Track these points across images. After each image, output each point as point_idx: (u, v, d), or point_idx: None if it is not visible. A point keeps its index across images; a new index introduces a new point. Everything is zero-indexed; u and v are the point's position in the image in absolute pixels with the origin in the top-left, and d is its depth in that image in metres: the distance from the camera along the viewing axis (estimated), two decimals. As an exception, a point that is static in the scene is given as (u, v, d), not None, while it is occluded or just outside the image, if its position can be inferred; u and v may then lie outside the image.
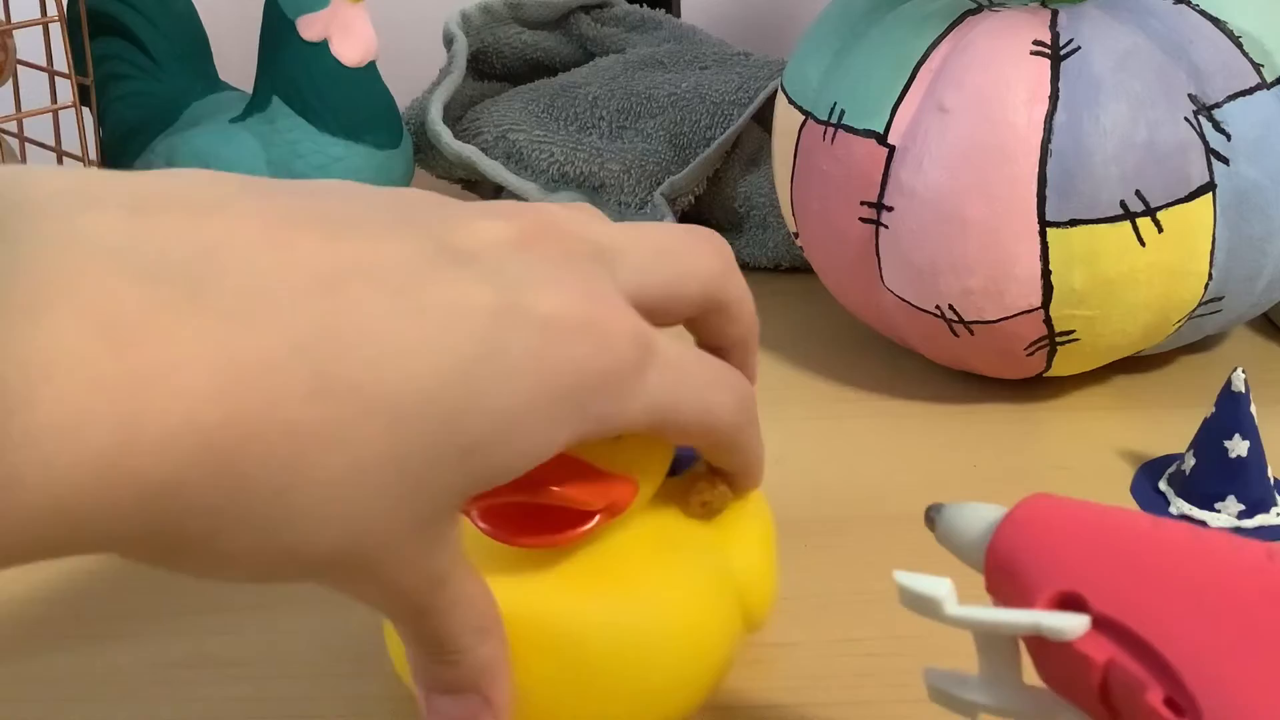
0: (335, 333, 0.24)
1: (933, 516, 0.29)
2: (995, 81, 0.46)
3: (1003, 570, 0.27)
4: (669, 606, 0.33)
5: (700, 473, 0.36)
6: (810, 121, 0.51)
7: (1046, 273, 0.46)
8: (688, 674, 0.34)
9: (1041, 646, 0.26)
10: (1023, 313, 0.47)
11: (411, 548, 0.26)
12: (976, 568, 0.28)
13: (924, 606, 0.27)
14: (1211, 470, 0.44)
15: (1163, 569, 0.25)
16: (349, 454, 0.24)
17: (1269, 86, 0.46)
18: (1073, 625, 0.25)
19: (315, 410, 0.23)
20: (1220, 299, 0.48)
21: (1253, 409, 0.43)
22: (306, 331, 0.23)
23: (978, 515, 0.28)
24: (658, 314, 0.31)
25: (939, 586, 0.27)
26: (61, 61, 0.64)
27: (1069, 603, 0.26)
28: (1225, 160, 0.45)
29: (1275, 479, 0.45)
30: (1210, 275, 0.47)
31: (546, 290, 0.27)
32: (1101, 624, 0.25)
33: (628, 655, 0.33)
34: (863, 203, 0.48)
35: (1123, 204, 0.45)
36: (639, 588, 0.33)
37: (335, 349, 0.24)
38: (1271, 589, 0.24)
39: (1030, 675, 0.28)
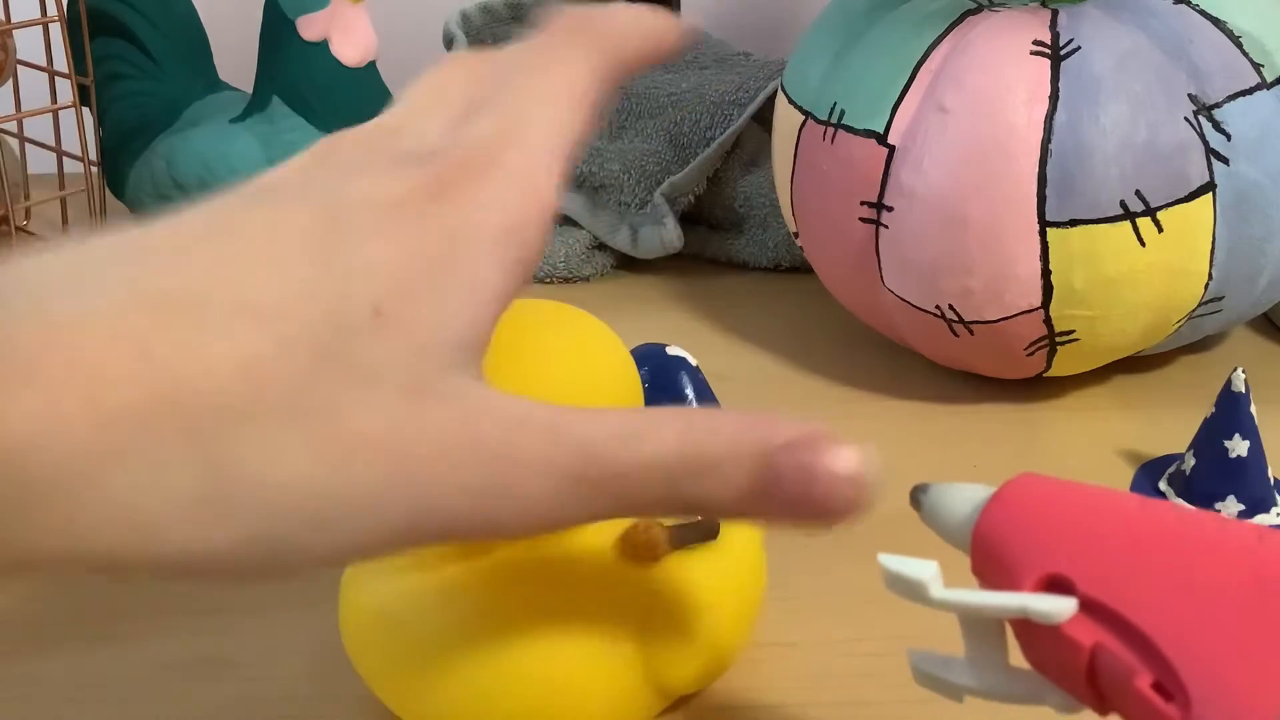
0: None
1: (918, 497, 0.29)
2: (995, 81, 0.46)
3: (989, 552, 0.27)
4: (525, 636, 0.32)
5: (650, 521, 0.34)
6: (810, 121, 0.51)
7: (1046, 273, 0.46)
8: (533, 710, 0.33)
9: (1028, 629, 0.26)
10: (1023, 313, 0.47)
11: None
12: (963, 549, 0.28)
13: (909, 589, 0.27)
14: (1211, 470, 0.44)
15: (1151, 551, 0.25)
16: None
17: (1269, 86, 0.46)
18: (1060, 609, 0.25)
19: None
20: (1220, 299, 0.48)
21: (1253, 409, 0.43)
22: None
23: (963, 496, 0.28)
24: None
25: (924, 569, 0.26)
26: (61, 61, 0.64)
27: (1056, 585, 0.26)
28: (1225, 160, 0.45)
29: (1275, 479, 0.45)
30: (1210, 275, 0.47)
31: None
32: (1089, 607, 0.25)
33: (459, 668, 0.33)
34: (863, 203, 0.48)
35: (1123, 204, 0.45)
36: (504, 605, 0.33)
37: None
38: (1261, 572, 0.24)
39: (1016, 657, 0.27)
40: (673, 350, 0.39)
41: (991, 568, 0.27)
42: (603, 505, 0.26)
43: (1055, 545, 0.26)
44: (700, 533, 0.35)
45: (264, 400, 0.23)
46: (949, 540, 0.28)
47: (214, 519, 0.23)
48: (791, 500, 0.25)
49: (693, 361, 0.39)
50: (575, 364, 0.33)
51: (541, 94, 0.28)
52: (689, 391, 0.39)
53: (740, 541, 0.36)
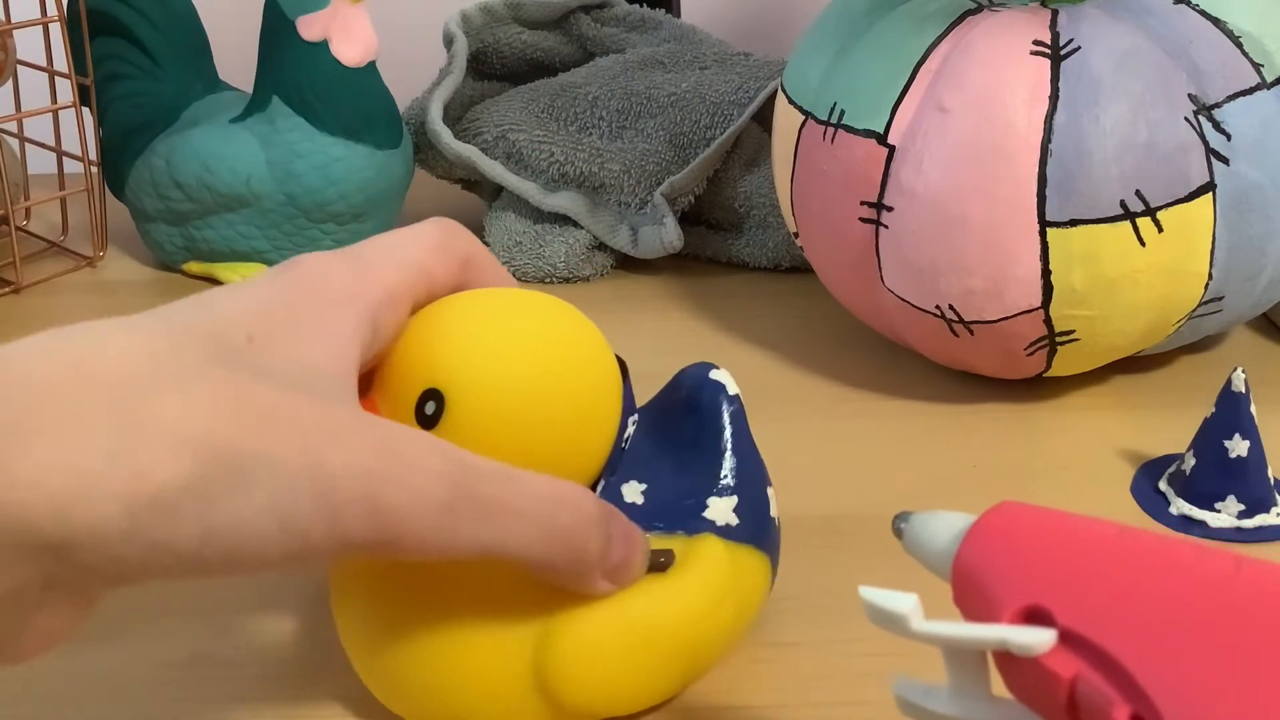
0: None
1: (899, 526, 0.29)
2: (995, 81, 0.46)
3: (969, 583, 0.27)
4: (438, 626, 0.34)
5: None
6: (810, 121, 0.51)
7: (1046, 273, 0.46)
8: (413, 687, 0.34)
9: (1009, 660, 0.26)
10: (1023, 313, 0.47)
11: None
12: (944, 578, 0.28)
13: (890, 622, 0.27)
14: (1211, 470, 0.44)
15: (1128, 581, 0.25)
16: None
17: (1269, 86, 0.46)
18: (1039, 640, 0.25)
19: None
20: (1220, 299, 0.48)
21: (1253, 409, 0.43)
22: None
23: (944, 525, 0.28)
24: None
25: (904, 602, 0.26)
26: (61, 61, 0.64)
27: (1035, 616, 0.26)
28: (1225, 160, 0.45)
29: (1275, 479, 0.45)
30: (1210, 275, 0.47)
31: None
32: (1068, 638, 0.25)
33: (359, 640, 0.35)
34: (863, 203, 0.48)
35: (1123, 204, 0.45)
36: (403, 588, 0.34)
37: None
38: (1238, 601, 0.24)
39: (999, 686, 0.27)
40: (716, 374, 0.37)
41: (972, 598, 0.27)
42: (486, 531, 0.30)
43: (1034, 576, 0.26)
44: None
45: (170, 373, 0.27)
46: (931, 569, 0.28)
47: (133, 468, 0.26)
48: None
49: (733, 389, 0.37)
50: (549, 351, 0.34)
51: (401, 232, 0.35)
52: (726, 422, 0.36)
53: (692, 586, 0.34)
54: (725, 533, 0.35)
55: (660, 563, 0.34)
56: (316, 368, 0.30)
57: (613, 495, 0.36)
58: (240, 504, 0.27)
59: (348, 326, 0.32)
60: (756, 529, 0.36)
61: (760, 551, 0.36)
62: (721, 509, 0.36)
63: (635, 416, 0.37)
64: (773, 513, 0.37)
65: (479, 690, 0.34)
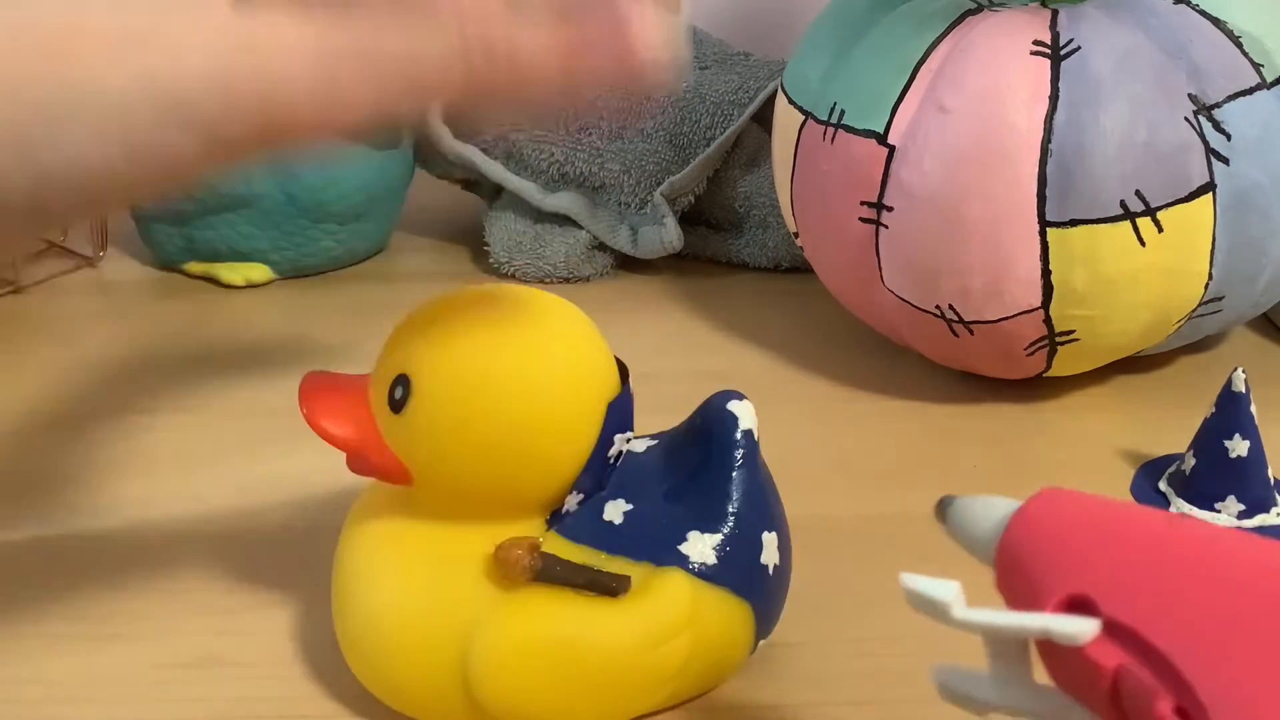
0: None
1: (944, 510, 0.28)
2: (995, 81, 0.46)
3: (1013, 569, 0.27)
4: (361, 593, 0.35)
5: (519, 540, 0.34)
6: (810, 121, 0.51)
7: (1046, 273, 0.46)
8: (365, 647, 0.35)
9: (1051, 649, 0.26)
10: (1023, 313, 0.47)
11: None
12: (987, 563, 0.28)
13: (931, 609, 0.26)
14: (1211, 470, 0.44)
15: (1176, 572, 0.25)
16: None
17: (1269, 86, 0.46)
18: (1082, 630, 0.25)
19: None
20: (1220, 299, 0.48)
21: (1253, 409, 0.43)
22: None
23: (989, 509, 0.28)
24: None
25: (947, 590, 0.26)
26: (61, 61, 0.64)
27: (1079, 606, 0.25)
28: (1225, 160, 0.45)
29: (1275, 479, 0.45)
30: (1210, 275, 0.47)
31: None
32: (1112, 629, 0.25)
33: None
34: (863, 203, 0.48)
35: (1123, 204, 0.45)
36: (367, 561, 0.35)
37: None
38: None
39: (1042, 673, 0.27)
40: (734, 406, 0.35)
41: (1015, 585, 0.27)
42: (368, 83, 0.26)
43: (1079, 564, 0.26)
44: (589, 579, 0.33)
45: None
46: (974, 554, 0.28)
47: None
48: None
49: (746, 424, 0.35)
50: (536, 348, 0.34)
51: None
52: (731, 457, 0.35)
53: (635, 617, 0.33)
54: (698, 571, 0.34)
55: (612, 587, 0.33)
56: None
57: (593, 511, 0.34)
58: (68, 143, 0.26)
59: None
60: (738, 573, 0.34)
61: (739, 598, 0.35)
62: (700, 546, 0.34)
63: (630, 435, 0.36)
64: (764, 559, 0.35)
65: (414, 666, 0.34)
